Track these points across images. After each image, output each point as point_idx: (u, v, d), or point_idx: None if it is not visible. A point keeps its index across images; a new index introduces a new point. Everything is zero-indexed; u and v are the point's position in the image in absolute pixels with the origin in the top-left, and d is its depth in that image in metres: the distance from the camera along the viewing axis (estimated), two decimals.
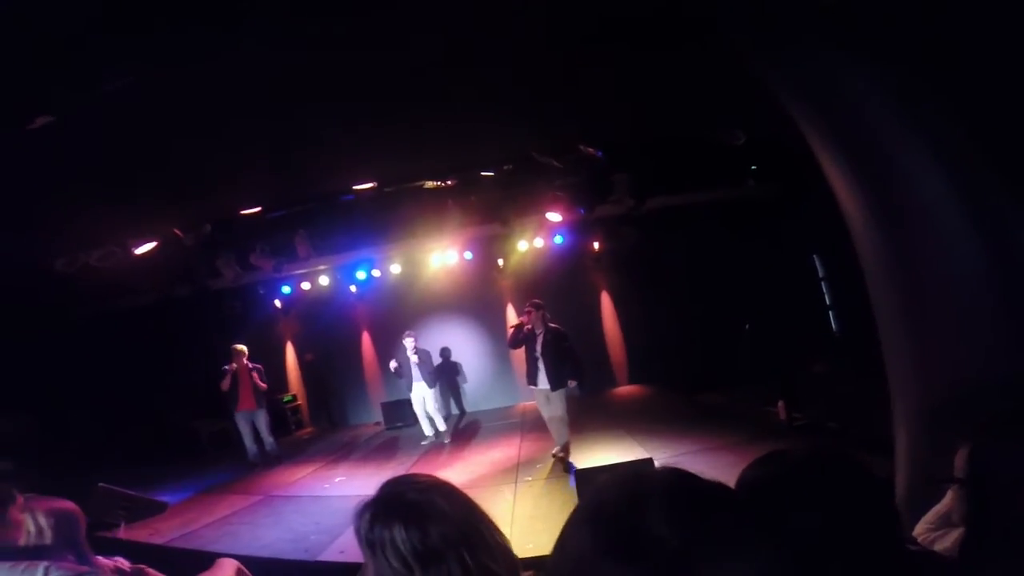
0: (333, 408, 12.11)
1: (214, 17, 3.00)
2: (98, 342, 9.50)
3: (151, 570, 2.12)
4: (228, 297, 10.75)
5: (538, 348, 6.66)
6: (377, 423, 11.12)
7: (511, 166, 7.36)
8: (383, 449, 9.18)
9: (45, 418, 8.19)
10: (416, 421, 9.20)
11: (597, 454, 6.71)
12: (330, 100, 4.33)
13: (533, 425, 8.60)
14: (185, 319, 10.49)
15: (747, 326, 10.38)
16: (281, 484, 7.57)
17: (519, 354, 7.73)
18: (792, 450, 1.14)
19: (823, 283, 10.72)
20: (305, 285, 11.18)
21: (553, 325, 6.75)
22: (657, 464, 4.35)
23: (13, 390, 7.24)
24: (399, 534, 1.11)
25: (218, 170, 5.49)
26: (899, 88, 2.55)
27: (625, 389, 11.23)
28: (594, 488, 0.76)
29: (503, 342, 9.77)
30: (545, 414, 6.81)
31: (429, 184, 7.73)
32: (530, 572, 1.27)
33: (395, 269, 10.73)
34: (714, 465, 5.60)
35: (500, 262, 11.00)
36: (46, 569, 1.44)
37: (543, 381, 6.63)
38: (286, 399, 11.76)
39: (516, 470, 6.79)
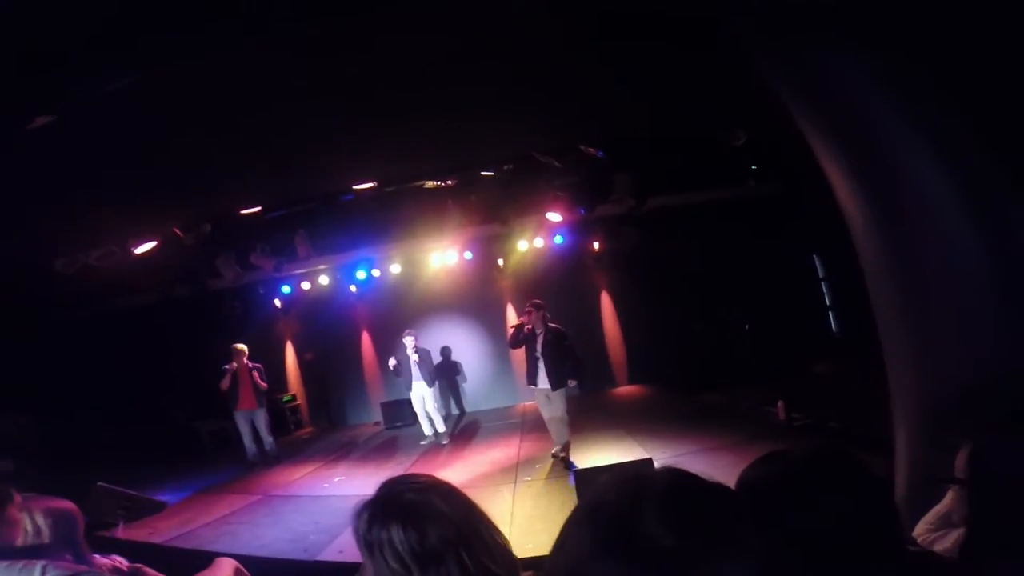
0: (332, 408, 12.11)
1: (214, 17, 3.00)
2: (98, 342, 9.51)
3: (148, 569, 2.12)
4: (228, 297, 10.77)
5: (538, 348, 6.67)
6: (376, 423, 11.12)
7: (511, 166, 7.36)
8: (382, 449, 9.17)
9: (45, 418, 8.20)
10: (415, 421, 9.20)
11: (597, 454, 6.70)
12: (330, 99, 4.33)
13: (533, 425, 8.60)
14: (185, 319, 10.49)
15: (747, 326, 10.40)
16: (280, 484, 7.56)
17: (519, 354, 7.73)
18: (793, 450, 1.14)
19: (823, 283, 10.74)
20: (305, 285, 11.18)
21: (553, 325, 6.75)
22: (657, 464, 4.34)
23: (13, 390, 7.25)
24: (397, 535, 1.10)
25: (218, 169, 5.48)
26: (900, 86, 2.55)
27: (625, 389, 11.22)
28: (594, 488, 0.76)
29: (503, 342, 9.77)
30: (545, 414, 6.81)
31: (429, 184, 7.73)
32: (529, 572, 1.27)
33: (395, 269, 10.74)
34: (714, 465, 5.60)
35: (500, 262, 11.01)
36: (43, 568, 1.43)
37: (543, 381, 6.63)
38: (285, 399, 11.76)
39: (515, 470, 6.78)
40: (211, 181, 5.83)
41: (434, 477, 1.29)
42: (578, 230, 10.07)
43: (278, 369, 11.74)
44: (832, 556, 0.95)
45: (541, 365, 6.65)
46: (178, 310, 10.22)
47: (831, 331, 10.60)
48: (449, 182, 7.78)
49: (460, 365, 11.43)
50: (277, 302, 11.76)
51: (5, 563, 1.47)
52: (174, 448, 9.97)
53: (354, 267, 10.69)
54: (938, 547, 1.68)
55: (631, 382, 11.38)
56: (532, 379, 6.76)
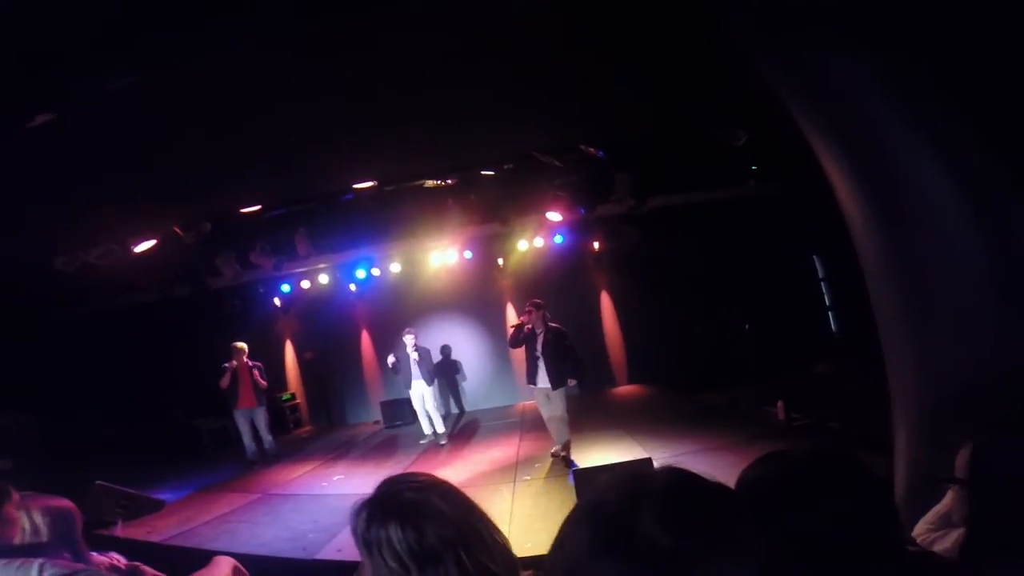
0: (332, 407, 12.10)
1: (214, 17, 3.00)
2: (98, 340, 9.51)
3: (146, 567, 2.12)
4: (228, 295, 10.78)
5: (538, 347, 6.67)
6: (376, 422, 11.12)
7: (511, 165, 7.36)
8: (382, 448, 9.17)
9: (45, 416, 8.20)
10: (415, 420, 9.19)
11: (596, 454, 6.70)
12: (330, 99, 4.33)
13: (532, 424, 8.60)
14: (185, 317, 10.49)
15: (747, 326, 10.40)
16: (279, 482, 7.56)
17: (519, 353, 7.73)
18: (792, 450, 1.13)
19: (823, 283, 10.74)
20: (305, 284, 11.18)
21: (553, 324, 6.76)
22: (656, 464, 4.35)
23: (13, 388, 7.25)
24: (395, 534, 1.10)
25: (218, 169, 5.48)
26: (900, 86, 2.55)
27: (625, 389, 11.22)
28: (593, 487, 0.76)
29: (503, 341, 9.77)
30: (545, 413, 6.82)
31: (429, 183, 7.73)
32: (529, 572, 1.27)
33: (395, 268, 10.73)
34: (714, 465, 5.59)
35: (500, 261, 11.00)
36: (41, 566, 1.43)
37: (543, 380, 6.64)
38: (285, 397, 11.75)
39: (515, 469, 6.78)
40: (211, 180, 5.83)
41: (433, 476, 1.28)
42: (578, 230, 10.08)
43: (278, 368, 11.74)
44: (832, 556, 0.95)
45: (541, 364, 6.66)
46: (178, 309, 10.23)
47: (831, 331, 10.61)
48: (449, 181, 7.79)
49: (460, 364, 11.43)
50: (277, 301, 11.76)
51: (3, 561, 1.46)
52: (174, 446, 9.98)
53: (354, 266, 10.69)
54: (938, 547, 1.68)
55: (631, 382, 11.38)
56: (532, 378, 6.76)
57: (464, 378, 11.48)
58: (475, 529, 1.17)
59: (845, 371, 8.24)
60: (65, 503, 1.84)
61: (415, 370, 8.40)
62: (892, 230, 2.76)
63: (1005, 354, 2.40)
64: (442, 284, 11.18)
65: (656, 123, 6.16)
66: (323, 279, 11.12)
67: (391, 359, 8.48)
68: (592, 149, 6.89)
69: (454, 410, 11.39)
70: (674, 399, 9.53)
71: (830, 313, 10.70)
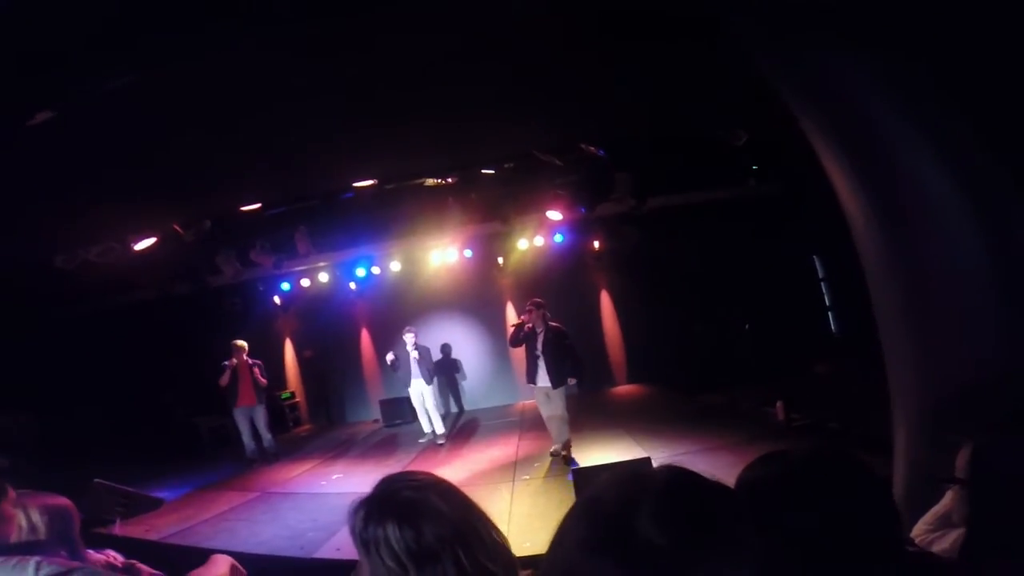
0: (331, 405, 12.11)
1: (214, 17, 2.99)
2: (98, 338, 9.50)
3: (142, 565, 2.11)
4: (228, 293, 10.77)
5: (539, 346, 6.69)
6: (375, 420, 11.12)
7: (512, 164, 7.36)
8: (381, 446, 9.17)
9: (45, 415, 8.19)
10: (414, 418, 9.20)
11: (595, 453, 6.70)
12: (330, 99, 4.32)
13: (532, 424, 8.60)
14: (185, 315, 10.49)
15: (747, 326, 10.40)
16: (278, 481, 7.56)
17: (518, 353, 7.74)
18: (792, 450, 1.13)
19: (823, 283, 10.74)
20: (305, 282, 11.18)
21: (554, 324, 6.77)
22: (655, 464, 4.35)
23: (13, 386, 7.24)
24: (393, 533, 1.10)
25: (218, 168, 5.48)
26: (900, 86, 2.54)
27: (624, 388, 11.22)
28: (593, 486, 0.75)
29: (502, 340, 9.77)
30: (545, 412, 6.82)
31: (429, 181, 7.73)
32: (528, 571, 1.26)
33: (395, 266, 10.73)
34: (713, 465, 5.59)
35: (500, 260, 11.00)
36: (37, 565, 1.42)
37: (543, 379, 6.65)
38: (284, 396, 11.75)
39: (514, 468, 6.78)
40: (211, 179, 5.82)
41: (432, 475, 1.28)
42: (578, 229, 10.07)
43: (277, 366, 11.74)
44: (831, 556, 0.95)
45: (541, 363, 6.67)
46: (178, 307, 10.22)
47: (831, 332, 10.61)
48: (449, 180, 7.79)
49: (460, 363, 11.43)
50: (277, 299, 11.78)
51: None
52: (173, 445, 9.99)
53: (354, 264, 10.69)
54: (936, 548, 1.68)
55: (630, 381, 11.38)
56: (532, 377, 6.77)
57: (464, 377, 11.49)
58: (474, 528, 1.17)
59: (845, 371, 8.24)
60: (63, 501, 1.83)
61: (415, 369, 8.40)
62: (893, 230, 2.75)
63: (1006, 354, 2.40)
64: (442, 283, 11.18)
65: (656, 123, 6.15)
66: (323, 277, 11.13)
67: (390, 357, 8.48)
68: (592, 148, 6.88)
69: (453, 409, 11.40)
70: (674, 399, 9.53)
71: (830, 313, 10.70)
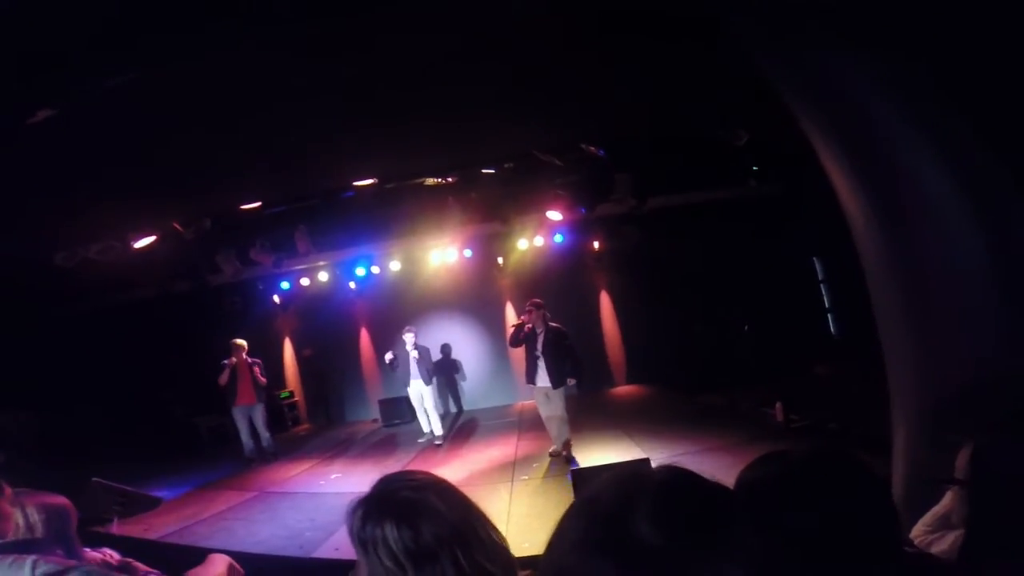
0: (331, 404, 12.10)
1: (214, 17, 2.99)
2: (97, 337, 9.49)
3: (138, 563, 2.11)
4: (228, 292, 10.76)
5: (539, 347, 6.69)
6: (374, 420, 11.11)
7: (512, 164, 7.35)
8: (380, 446, 9.17)
9: (45, 413, 8.20)
10: (414, 418, 9.20)
11: (594, 454, 6.70)
12: (330, 99, 4.32)
13: (531, 424, 8.60)
14: (185, 314, 10.49)
15: (747, 327, 10.40)
16: (277, 480, 7.56)
17: (517, 353, 7.74)
18: (792, 450, 1.13)
19: (822, 285, 10.75)
20: (304, 281, 11.16)
21: (554, 324, 6.77)
22: (655, 465, 4.34)
23: (12, 385, 7.24)
24: (391, 532, 1.09)
25: (218, 167, 5.48)
26: (900, 86, 2.54)
27: (624, 389, 11.22)
28: (591, 486, 0.75)
29: (502, 340, 9.77)
30: (544, 412, 6.83)
31: (430, 181, 7.74)
32: (527, 571, 1.26)
33: (394, 266, 10.72)
34: (713, 466, 5.59)
35: (500, 260, 10.99)
36: (34, 563, 1.42)
37: (543, 379, 6.65)
38: (283, 395, 11.75)
39: (513, 468, 6.78)
40: (211, 178, 5.83)
41: (431, 474, 1.27)
42: (578, 229, 10.07)
43: (276, 365, 11.73)
44: (831, 557, 0.94)
45: (541, 364, 6.67)
46: (178, 305, 10.22)
47: (830, 333, 10.61)
48: (450, 180, 7.79)
49: (459, 363, 11.43)
50: (276, 298, 11.76)
51: None
52: (173, 443, 9.99)
53: (354, 264, 10.68)
54: (935, 549, 1.67)
55: (630, 382, 11.37)
56: (531, 378, 6.77)
57: (463, 377, 11.48)
58: (472, 528, 1.16)
59: (844, 373, 8.24)
60: (61, 500, 1.83)
61: (414, 369, 8.39)
62: (893, 230, 2.75)
63: (1006, 354, 2.40)
64: (442, 283, 11.17)
65: (656, 123, 6.15)
66: (323, 277, 11.11)
67: (389, 356, 8.47)
68: (593, 148, 6.88)
69: (453, 409, 11.39)
70: (673, 399, 9.52)
71: (829, 315, 10.70)
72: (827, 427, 6.27)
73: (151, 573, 2.11)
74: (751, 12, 3.11)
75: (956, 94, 2.43)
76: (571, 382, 6.69)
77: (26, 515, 1.68)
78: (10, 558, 1.43)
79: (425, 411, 8.59)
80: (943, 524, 1.73)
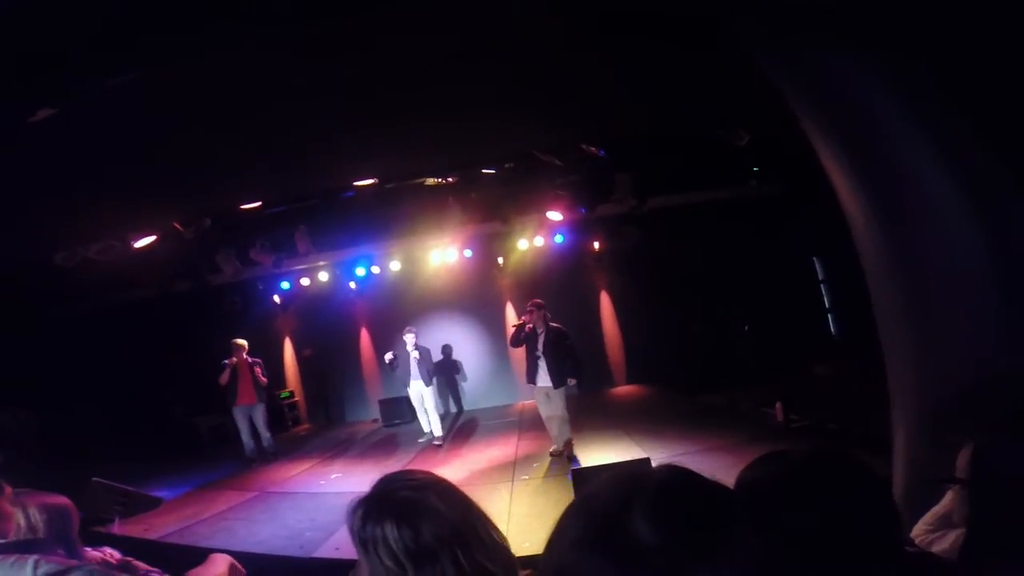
0: (331, 404, 12.10)
1: (214, 17, 2.99)
2: (98, 336, 9.49)
3: (138, 562, 2.11)
4: (228, 292, 10.76)
5: (539, 347, 6.70)
6: (375, 420, 11.12)
7: (512, 164, 7.35)
8: (380, 446, 9.17)
9: (45, 413, 8.19)
10: (414, 418, 9.20)
11: (595, 454, 6.70)
12: (330, 99, 4.32)
13: (531, 423, 8.60)
14: (185, 314, 10.49)
15: (747, 327, 10.40)
16: (277, 480, 7.56)
17: (518, 353, 7.74)
18: (792, 450, 1.13)
19: (822, 285, 10.74)
20: (304, 281, 11.17)
21: (555, 324, 6.79)
22: (655, 465, 4.34)
23: (13, 384, 7.24)
24: (391, 532, 1.09)
25: (218, 167, 5.47)
26: (901, 86, 2.54)
27: (624, 389, 11.22)
28: (591, 485, 0.75)
29: (502, 340, 9.77)
30: (545, 412, 6.83)
31: (430, 181, 7.74)
32: (527, 571, 1.26)
33: (395, 266, 10.72)
34: (713, 466, 5.59)
35: (500, 260, 10.99)
36: (35, 563, 1.43)
37: (544, 379, 6.66)
38: (283, 395, 11.75)
39: (513, 468, 6.78)
40: (211, 178, 5.83)
41: (431, 474, 1.27)
42: (578, 229, 10.07)
43: (276, 365, 11.73)
44: (831, 557, 0.94)
45: (542, 364, 6.68)
46: (178, 305, 10.22)
47: (830, 333, 10.61)
48: (450, 180, 7.79)
49: (460, 364, 11.43)
50: (276, 298, 11.77)
51: None
52: (173, 443, 9.99)
53: (354, 264, 10.68)
54: (936, 548, 1.67)
55: (630, 382, 11.37)
56: (532, 377, 6.78)
57: (464, 377, 11.48)
58: (472, 528, 1.16)
59: (844, 373, 8.23)
60: (62, 500, 1.83)
61: (415, 369, 8.39)
62: (893, 230, 2.75)
63: (1006, 354, 2.39)
64: (442, 283, 11.17)
65: (656, 123, 6.15)
66: (323, 277, 11.12)
67: (389, 356, 8.47)
68: (593, 148, 6.88)
69: (453, 409, 11.40)
70: (673, 399, 9.52)
71: (829, 315, 10.70)
72: (827, 427, 6.27)
73: (152, 572, 2.12)
74: (751, 12, 3.11)
75: (956, 94, 2.43)
76: (571, 382, 6.70)
77: (28, 515, 1.68)
78: (12, 558, 1.43)
79: (425, 411, 8.59)
80: (944, 523, 1.73)
